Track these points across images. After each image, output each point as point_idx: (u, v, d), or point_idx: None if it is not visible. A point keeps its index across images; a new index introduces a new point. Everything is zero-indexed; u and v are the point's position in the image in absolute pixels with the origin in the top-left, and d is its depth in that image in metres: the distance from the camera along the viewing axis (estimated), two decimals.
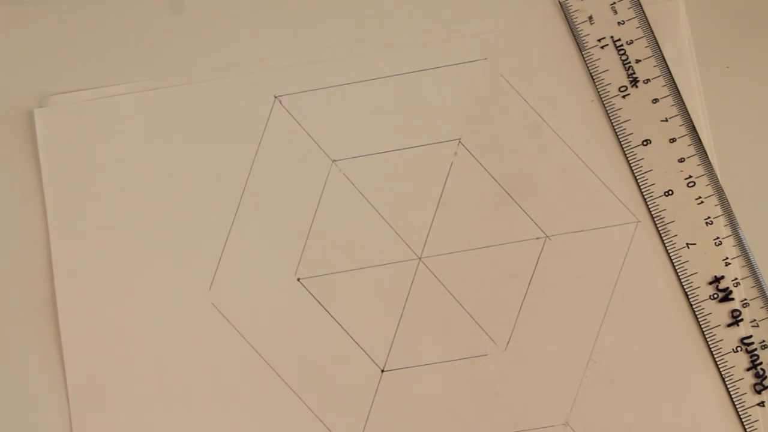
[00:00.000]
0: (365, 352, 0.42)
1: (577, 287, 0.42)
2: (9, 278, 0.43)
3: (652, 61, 0.43)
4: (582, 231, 0.42)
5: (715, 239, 0.42)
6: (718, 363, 0.41)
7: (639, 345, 0.41)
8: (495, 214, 0.43)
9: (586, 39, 0.43)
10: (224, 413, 0.42)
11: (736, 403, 0.41)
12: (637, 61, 0.43)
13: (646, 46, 0.43)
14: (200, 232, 0.43)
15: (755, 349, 0.41)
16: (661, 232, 0.42)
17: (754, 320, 0.41)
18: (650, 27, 0.43)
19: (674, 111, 0.43)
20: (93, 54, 0.44)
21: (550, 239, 0.42)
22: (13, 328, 0.42)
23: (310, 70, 0.44)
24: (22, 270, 0.43)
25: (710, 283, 0.41)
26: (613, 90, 0.43)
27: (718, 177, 0.42)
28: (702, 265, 0.42)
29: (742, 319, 0.41)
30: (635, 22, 0.43)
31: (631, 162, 0.43)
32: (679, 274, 0.42)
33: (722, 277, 0.41)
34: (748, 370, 0.41)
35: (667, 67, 0.43)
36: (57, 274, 0.42)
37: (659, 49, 0.43)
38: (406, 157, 0.43)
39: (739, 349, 0.41)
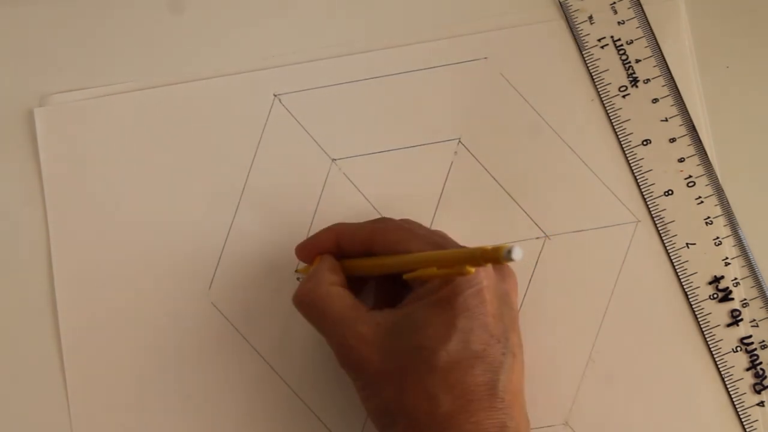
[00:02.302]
0: None
1: (577, 287, 0.42)
2: (9, 278, 0.43)
3: (652, 61, 0.43)
4: (582, 231, 0.42)
5: (715, 239, 0.42)
6: (718, 363, 0.41)
7: (639, 345, 0.41)
8: (495, 214, 0.43)
9: (586, 39, 0.43)
10: (224, 412, 0.42)
11: (735, 402, 0.41)
12: (637, 61, 0.43)
13: (646, 46, 0.43)
14: (200, 231, 0.43)
15: (755, 349, 0.41)
16: (661, 232, 0.42)
17: (754, 320, 0.41)
18: (650, 27, 0.43)
19: (674, 111, 0.43)
20: (93, 54, 0.44)
21: (549, 239, 0.42)
22: (13, 328, 0.42)
23: (310, 69, 0.44)
24: (22, 270, 0.43)
25: (710, 283, 0.42)
26: (613, 90, 0.43)
27: (718, 177, 0.42)
28: (702, 265, 0.42)
29: (741, 319, 0.41)
30: (635, 22, 0.43)
31: (631, 162, 0.43)
32: (679, 274, 0.42)
33: (722, 277, 0.41)
34: (748, 370, 0.41)
35: (667, 67, 0.43)
36: (57, 274, 0.42)
37: (659, 49, 0.43)
38: (406, 157, 0.43)
39: (738, 349, 0.41)
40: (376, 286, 0.40)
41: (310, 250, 0.39)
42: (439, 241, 0.36)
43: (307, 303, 0.37)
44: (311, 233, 0.42)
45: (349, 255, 0.38)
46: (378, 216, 0.42)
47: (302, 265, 0.42)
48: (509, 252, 0.30)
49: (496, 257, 0.31)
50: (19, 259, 0.43)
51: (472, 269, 0.33)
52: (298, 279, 0.42)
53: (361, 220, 0.42)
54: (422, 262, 0.35)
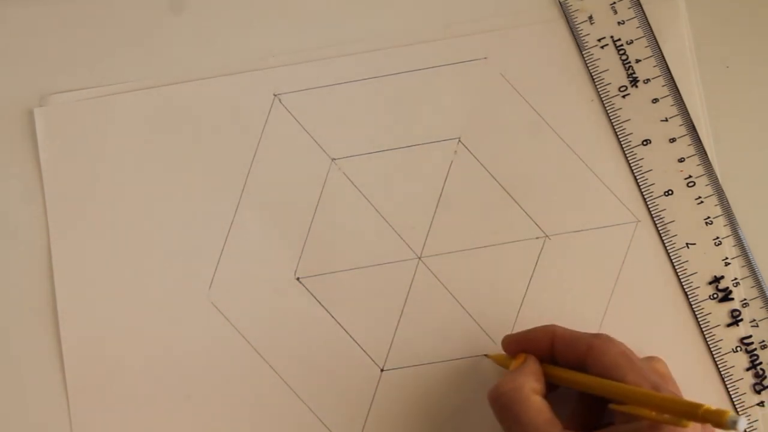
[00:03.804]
0: (365, 351, 0.42)
1: (577, 287, 0.42)
2: (9, 278, 0.43)
3: (652, 61, 0.43)
4: (582, 231, 0.42)
5: (714, 239, 0.42)
6: (718, 363, 0.41)
7: (639, 345, 0.41)
8: (495, 214, 0.43)
9: (586, 39, 0.43)
10: (224, 412, 0.42)
11: (735, 403, 0.41)
12: (637, 61, 0.43)
13: (646, 46, 0.43)
14: (200, 231, 0.43)
15: (755, 349, 0.41)
16: (661, 232, 0.42)
17: (754, 320, 0.41)
18: (650, 27, 0.43)
19: (674, 111, 0.43)
20: (93, 53, 0.44)
21: (549, 239, 0.42)
22: (13, 328, 0.42)
23: (310, 69, 0.44)
24: (22, 270, 0.43)
25: (710, 283, 0.42)
26: (613, 90, 0.43)
27: (718, 177, 0.42)
28: (702, 265, 0.42)
29: (741, 319, 0.41)
30: (635, 22, 0.43)
31: (631, 162, 0.43)
32: (679, 274, 0.42)
33: (722, 277, 0.41)
34: (748, 370, 0.41)
35: (667, 67, 0.43)
36: (57, 274, 0.42)
37: (659, 49, 0.43)
38: (406, 156, 0.43)
39: (738, 349, 0.41)
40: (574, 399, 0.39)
41: (520, 344, 0.38)
42: (657, 381, 0.35)
43: (503, 403, 0.36)
44: (311, 232, 0.42)
45: (556, 362, 0.37)
46: (378, 215, 0.42)
47: (494, 352, 0.41)
48: (734, 422, 0.30)
49: (718, 421, 0.30)
50: (19, 259, 0.43)
51: (689, 423, 0.32)
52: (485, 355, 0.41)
53: (361, 220, 0.42)
54: (637, 398, 0.33)
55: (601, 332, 0.37)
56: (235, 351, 0.42)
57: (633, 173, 0.43)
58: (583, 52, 0.43)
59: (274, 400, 0.42)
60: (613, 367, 0.35)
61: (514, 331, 0.40)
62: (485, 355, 0.41)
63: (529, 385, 0.36)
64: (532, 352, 0.38)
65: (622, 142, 0.43)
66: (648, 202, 0.42)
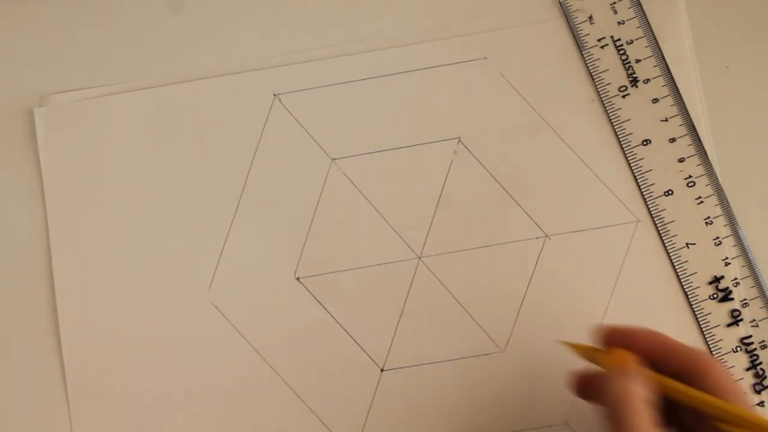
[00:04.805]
0: (365, 351, 0.42)
1: (577, 287, 0.42)
2: (9, 278, 0.43)
3: (652, 61, 0.43)
4: (582, 231, 0.42)
5: (715, 239, 0.42)
6: None
7: None
8: (495, 214, 0.43)
9: (586, 39, 0.43)
10: (224, 412, 0.42)
11: None
12: (637, 61, 0.43)
13: (646, 46, 0.43)
14: (199, 231, 0.43)
15: (755, 349, 0.41)
16: (660, 231, 0.42)
17: (754, 320, 0.41)
18: (650, 27, 0.43)
19: (674, 111, 0.43)
20: (92, 53, 0.44)
21: (549, 239, 0.42)
22: (13, 328, 0.42)
23: (310, 68, 0.44)
24: (22, 270, 0.43)
25: (710, 283, 0.42)
26: (613, 90, 0.43)
27: (718, 177, 0.42)
28: (702, 265, 0.42)
29: (741, 319, 0.41)
30: (635, 22, 0.43)
31: (631, 162, 0.43)
32: (679, 274, 0.42)
33: (722, 277, 0.41)
34: (748, 370, 0.41)
35: (667, 67, 0.43)
36: (57, 274, 0.42)
37: (659, 49, 0.43)
38: (406, 156, 0.43)
39: (738, 349, 0.41)
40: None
41: (618, 340, 0.37)
42: (757, 408, 0.34)
43: (616, 405, 0.34)
44: (311, 232, 0.42)
45: (655, 368, 0.36)
46: (378, 215, 0.42)
47: (570, 340, 0.39)
48: None
49: None
50: (19, 258, 0.43)
51: None
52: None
53: (361, 220, 0.42)
54: (748, 422, 0.33)
55: (699, 348, 0.36)
56: (234, 351, 0.42)
57: (633, 173, 0.43)
58: (583, 52, 0.43)
59: (273, 400, 0.42)
60: (718, 387, 0.34)
61: (515, 331, 0.40)
62: (562, 342, 0.38)
63: (642, 393, 0.34)
64: (628, 350, 0.36)
65: (622, 142, 0.43)
66: (648, 202, 0.42)
